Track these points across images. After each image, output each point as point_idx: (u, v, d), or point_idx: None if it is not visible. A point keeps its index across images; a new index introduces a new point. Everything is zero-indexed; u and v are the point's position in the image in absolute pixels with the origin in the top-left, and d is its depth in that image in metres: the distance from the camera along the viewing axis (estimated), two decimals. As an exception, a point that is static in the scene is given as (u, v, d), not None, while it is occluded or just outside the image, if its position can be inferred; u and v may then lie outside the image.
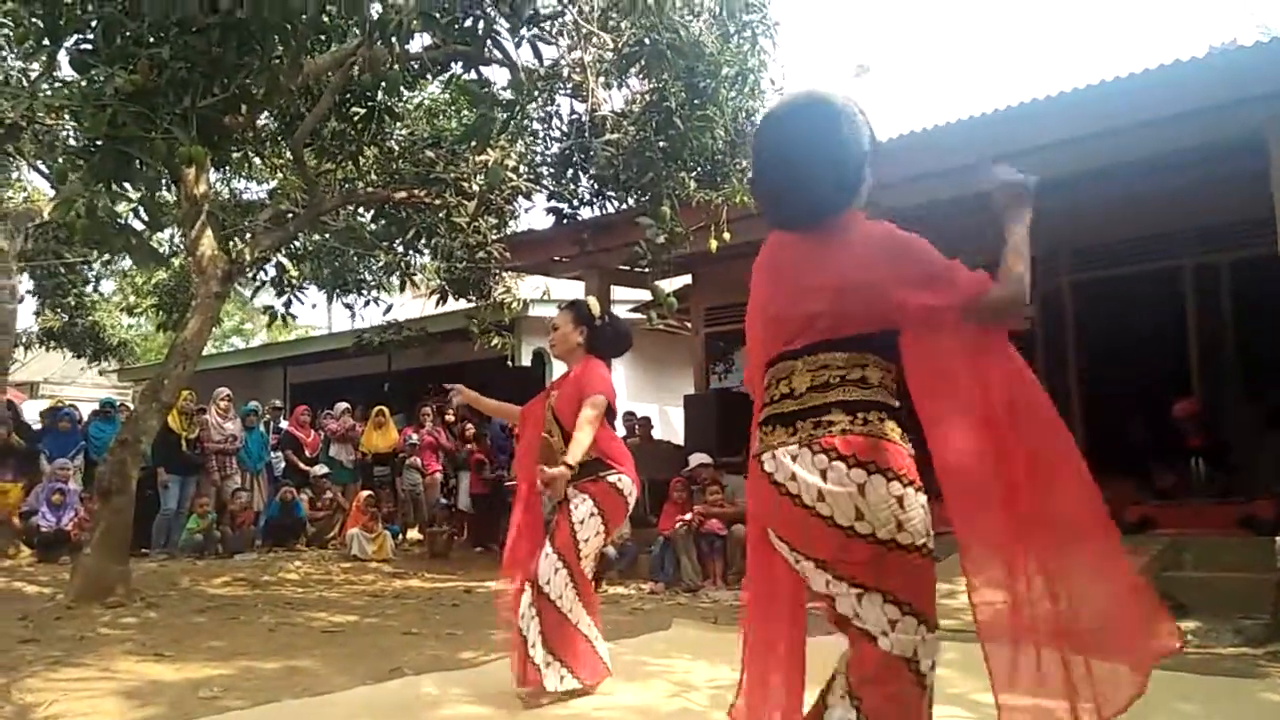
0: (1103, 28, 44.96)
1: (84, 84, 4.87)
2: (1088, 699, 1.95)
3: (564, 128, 8.80)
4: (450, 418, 11.96)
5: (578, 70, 7.56)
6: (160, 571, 8.49)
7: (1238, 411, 7.90)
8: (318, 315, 25.21)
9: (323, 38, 6.89)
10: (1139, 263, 8.47)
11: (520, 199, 9.74)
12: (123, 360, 17.35)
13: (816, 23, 42.37)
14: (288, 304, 9.41)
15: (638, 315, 11.78)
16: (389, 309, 11.55)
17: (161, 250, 11.08)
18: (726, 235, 7.84)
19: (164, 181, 6.24)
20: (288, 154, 9.13)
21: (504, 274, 10.46)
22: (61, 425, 10.99)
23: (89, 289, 15.24)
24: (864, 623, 1.97)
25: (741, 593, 2.38)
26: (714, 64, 6.95)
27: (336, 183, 9.72)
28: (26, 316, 15.58)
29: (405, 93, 8.92)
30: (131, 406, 11.20)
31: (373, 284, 11.97)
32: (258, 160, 10.18)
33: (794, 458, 1.99)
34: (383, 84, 6.84)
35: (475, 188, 8.94)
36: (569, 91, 8.31)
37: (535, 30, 6.56)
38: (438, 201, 8.90)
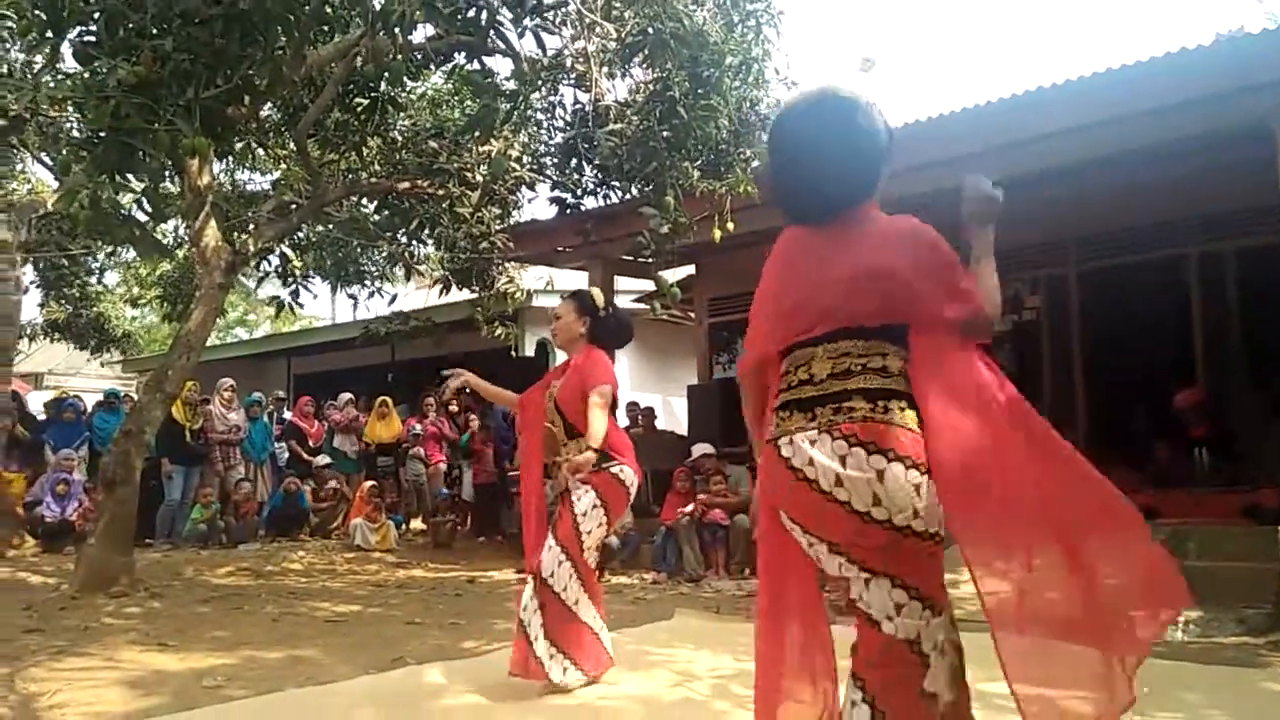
0: (1109, 15, 44.77)
1: (87, 76, 4.87)
2: (1097, 690, 1.96)
3: (567, 118, 8.78)
4: (454, 408, 11.98)
5: (581, 60, 7.54)
6: (164, 562, 8.52)
7: (1242, 400, 7.89)
8: (321, 306, 25.28)
9: (325, 28, 6.87)
10: (1144, 251, 8.44)
11: (524, 189, 9.73)
12: (126, 352, 17.37)
13: (821, 16, 42.26)
14: (295, 294, 9.42)
15: (641, 305, 11.79)
16: (394, 299, 11.56)
17: (165, 242, 11.08)
18: (730, 225, 7.82)
19: (167, 173, 6.26)
20: (291, 145, 9.12)
21: (507, 264, 10.46)
22: (66, 416, 11.02)
23: (93, 280, 15.26)
24: (868, 607, 2.01)
25: (758, 587, 2.37)
26: (718, 53, 6.93)
27: (340, 173, 9.71)
28: (31, 308, 15.63)
29: (408, 83, 8.91)
30: (136, 397, 11.21)
31: (376, 274, 11.98)
32: (261, 151, 10.17)
33: (813, 443, 2.01)
34: (386, 74, 6.84)
35: (479, 178, 8.94)
36: (572, 81, 8.29)
37: (538, 20, 6.54)
38: (441, 192, 8.90)
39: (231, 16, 4.91)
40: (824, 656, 2.22)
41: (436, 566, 8.84)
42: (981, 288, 2.08)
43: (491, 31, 6.20)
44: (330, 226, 10.55)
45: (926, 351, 2.04)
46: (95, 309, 15.47)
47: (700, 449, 8.99)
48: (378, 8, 5.55)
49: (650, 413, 11.19)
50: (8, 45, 7.13)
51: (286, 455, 11.75)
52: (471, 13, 5.88)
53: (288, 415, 12.66)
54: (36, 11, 4.73)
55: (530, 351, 12.62)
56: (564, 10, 7.21)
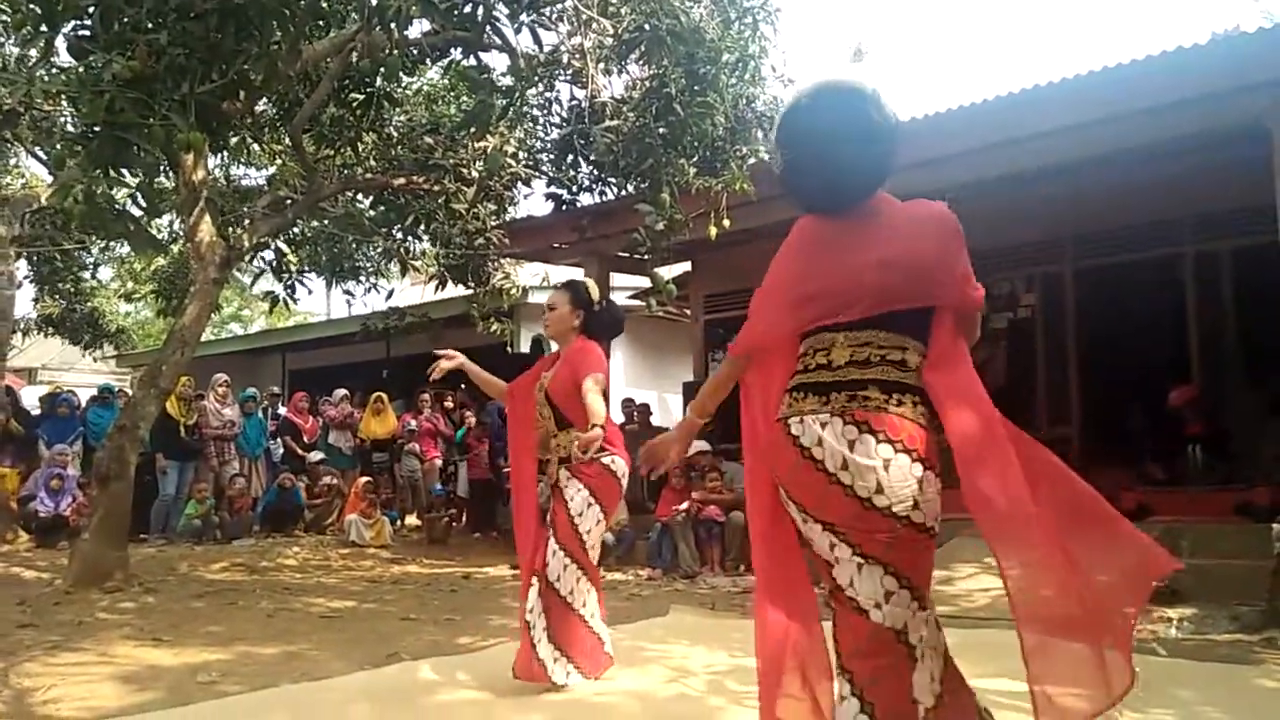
0: (1106, 13, 44.80)
1: (82, 70, 4.85)
2: (1094, 688, 1.99)
3: (563, 114, 8.78)
4: (449, 404, 11.97)
5: (577, 56, 7.53)
6: (158, 557, 8.51)
7: (1238, 399, 7.91)
8: (316, 302, 25.24)
9: (321, 23, 6.86)
10: (1140, 250, 8.46)
11: (519, 185, 9.72)
12: (120, 347, 17.33)
13: (814, 10, 42.22)
14: (290, 290, 9.41)
15: (637, 302, 11.78)
16: (391, 294, 11.55)
17: (160, 236, 11.07)
18: (726, 222, 7.82)
19: (162, 168, 6.23)
20: (286, 140, 9.11)
21: (503, 260, 10.45)
22: (60, 411, 10.99)
23: (87, 275, 15.21)
24: (857, 594, 2.03)
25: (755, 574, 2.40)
26: (714, 50, 6.93)
27: (335, 169, 9.70)
28: (25, 302, 15.58)
29: (404, 78, 8.89)
30: (130, 392, 11.20)
31: (371, 270, 11.95)
32: (256, 146, 10.17)
33: (824, 425, 2.06)
34: (381, 70, 6.81)
35: (474, 174, 8.93)
36: (568, 78, 8.28)
37: (534, 16, 6.54)
38: (437, 188, 8.88)
39: (227, 11, 4.90)
40: (816, 652, 2.23)
41: (431, 562, 8.83)
42: None
43: (488, 27, 6.19)
44: (326, 222, 10.53)
45: (948, 343, 2.09)
46: (89, 304, 15.43)
47: (695, 446, 8.96)
48: (374, 3, 5.54)
49: (646, 409, 11.19)
50: (2, 39, 7.11)
51: (281, 451, 11.73)
52: (468, 8, 5.87)
53: (282, 411, 12.64)
54: (31, 5, 4.72)
55: (526, 347, 12.60)
56: (560, 6, 7.20)
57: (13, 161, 12.61)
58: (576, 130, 8.05)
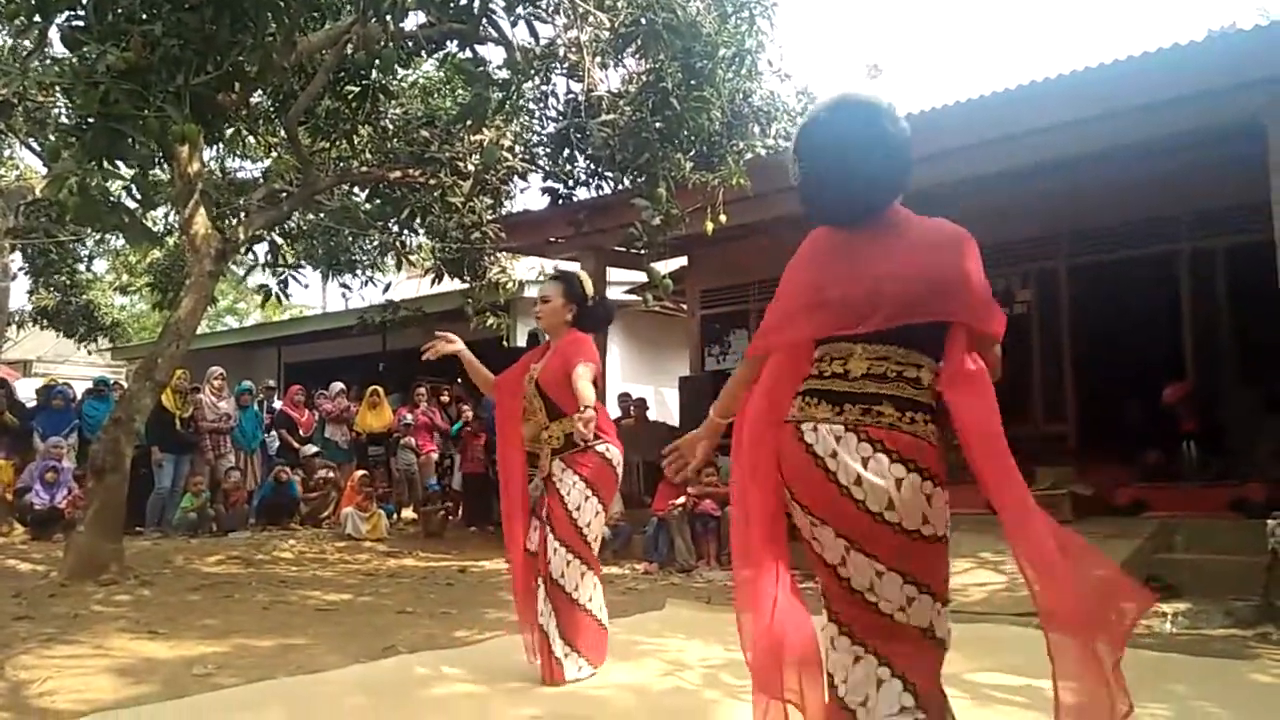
0: (1103, 10, 44.81)
1: (76, 61, 4.84)
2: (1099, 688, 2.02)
3: (560, 108, 8.76)
4: (445, 399, 11.95)
5: (574, 50, 7.52)
6: (154, 550, 8.50)
7: (1232, 396, 7.93)
8: (312, 295, 25.18)
9: (316, 15, 6.84)
10: (1135, 246, 8.47)
11: (516, 179, 9.70)
12: (115, 340, 17.30)
13: (826, 24, 42.16)
14: (284, 283, 9.38)
15: (633, 297, 11.78)
16: (388, 287, 11.53)
17: (155, 229, 11.03)
18: (723, 217, 7.82)
19: (157, 160, 6.22)
20: (282, 132, 9.07)
21: (499, 254, 10.43)
22: (55, 403, 10.96)
23: (82, 268, 15.17)
24: (879, 598, 2.09)
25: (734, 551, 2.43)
26: (711, 44, 6.91)
27: (331, 162, 9.67)
28: (19, 295, 15.53)
29: (400, 71, 8.87)
30: (125, 385, 11.18)
31: (367, 264, 11.93)
32: (251, 139, 10.13)
33: (838, 439, 2.10)
34: (377, 62, 6.80)
35: (470, 167, 8.90)
36: (565, 71, 8.27)
37: (531, 9, 6.52)
38: (433, 181, 8.86)
39: (221, 2, 4.89)
40: (806, 645, 2.25)
41: (427, 556, 8.83)
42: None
43: (484, 19, 6.17)
44: (321, 215, 10.50)
45: (964, 362, 2.12)
46: (84, 297, 15.39)
47: (691, 440, 8.98)
48: (370, -5, 5.52)
49: (642, 404, 11.19)
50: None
51: (277, 444, 11.72)
52: (464, 0, 5.85)
53: (278, 404, 12.63)
54: (25, -5, 4.70)
55: (522, 342, 12.59)
56: (557, -1, 7.19)
57: (7, 153, 12.57)
58: (573, 124, 8.04)
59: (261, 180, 10.28)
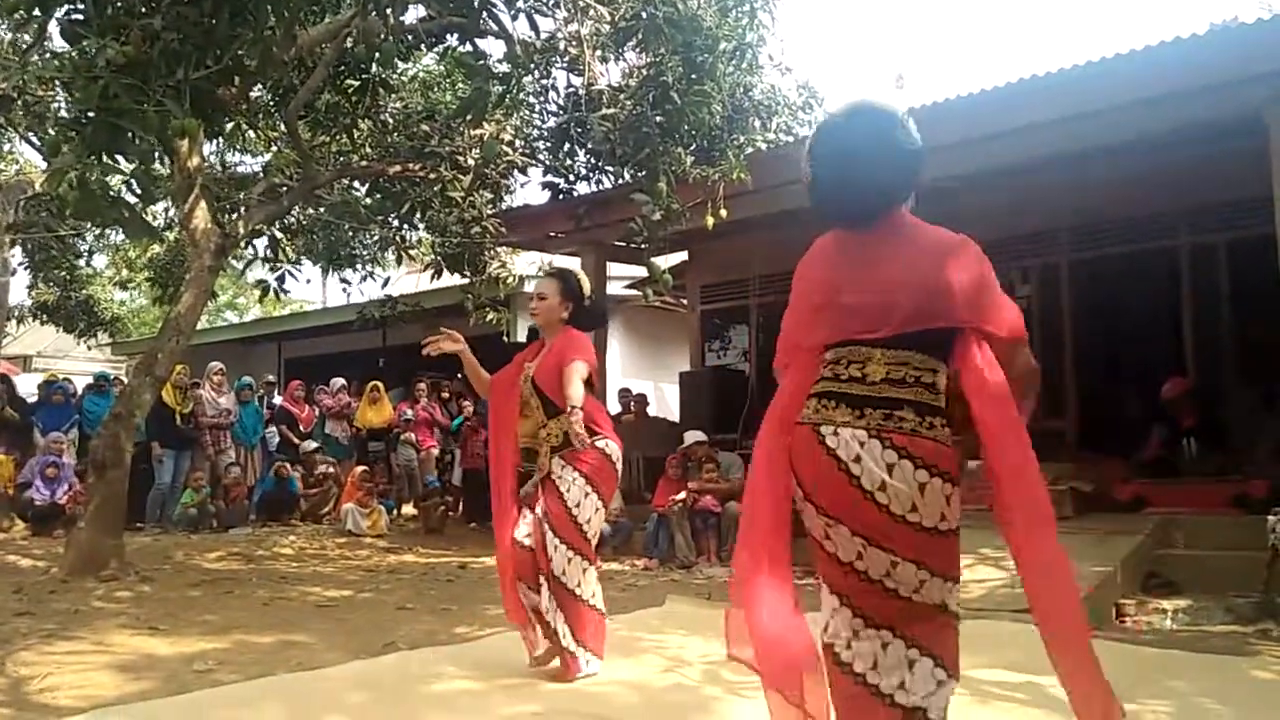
0: (1103, 4, 44.73)
1: (75, 55, 4.82)
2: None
3: (560, 102, 8.75)
4: (445, 395, 11.94)
5: (574, 44, 7.50)
6: (154, 545, 8.50)
7: (1232, 391, 7.92)
8: (312, 290, 25.19)
9: (316, 9, 6.82)
10: (1136, 242, 8.45)
11: (516, 173, 9.69)
12: (115, 335, 17.29)
13: (826, 20, 42.08)
14: (280, 279, 9.37)
15: (633, 292, 11.77)
16: (387, 282, 11.51)
17: (155, 224, 11.01)
18: (723, 212, 7.80)
19: (157, 154, 6.19)
20: (282, 127, 9.06)
21: (499, 249, 10.42)
22: (55, 399, 10.97)
23: (81, 263, 15.16)
24: (896, 583, 2.17)
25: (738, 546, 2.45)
26: (711, 38, 6.89)
27: (331, 156, 9.65)
28: (19, 290, 15.52)
29: (400, 65, 8.85)
30: (126, 380, 11.17)
31: (367, 258, 11.91)
32: (251, 133, 10.11)
33: (862, 444, 2.15)
34: (377, 56, 6.79)
35: (470, 162, 8.89)
36: (565, 65, 8.25)
37: (531, 2, 6.50)
38: (433, 176, 8.85)
39: (222, -4, 4.86)
40: (806, 649, 2.28)
41: (428, 552, 8.84)
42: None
43: (484, 13, 6.16)
44: (321, 210, 10.49)
45: (982, 368, 2.18)
46: (84, 291, 15.39)
47: (692, 436, 8.99)
48: (369, -12, 5.50)
49: (642, 399, 11.20)
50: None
51: (277, 440, 11.72)
52: (464, -6, 5.84)
53: (278, 400, 12.62)
54: (24, -11, 4.68)
55: (522, 337, 12.59)
56: (557, -8, 7.18)
57: (6, 147, 12.55)
58: (573, 118, 8.02)
59: (261, 175, 10.26)
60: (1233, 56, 6.30)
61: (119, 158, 4.94)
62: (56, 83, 5.39)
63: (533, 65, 7.90)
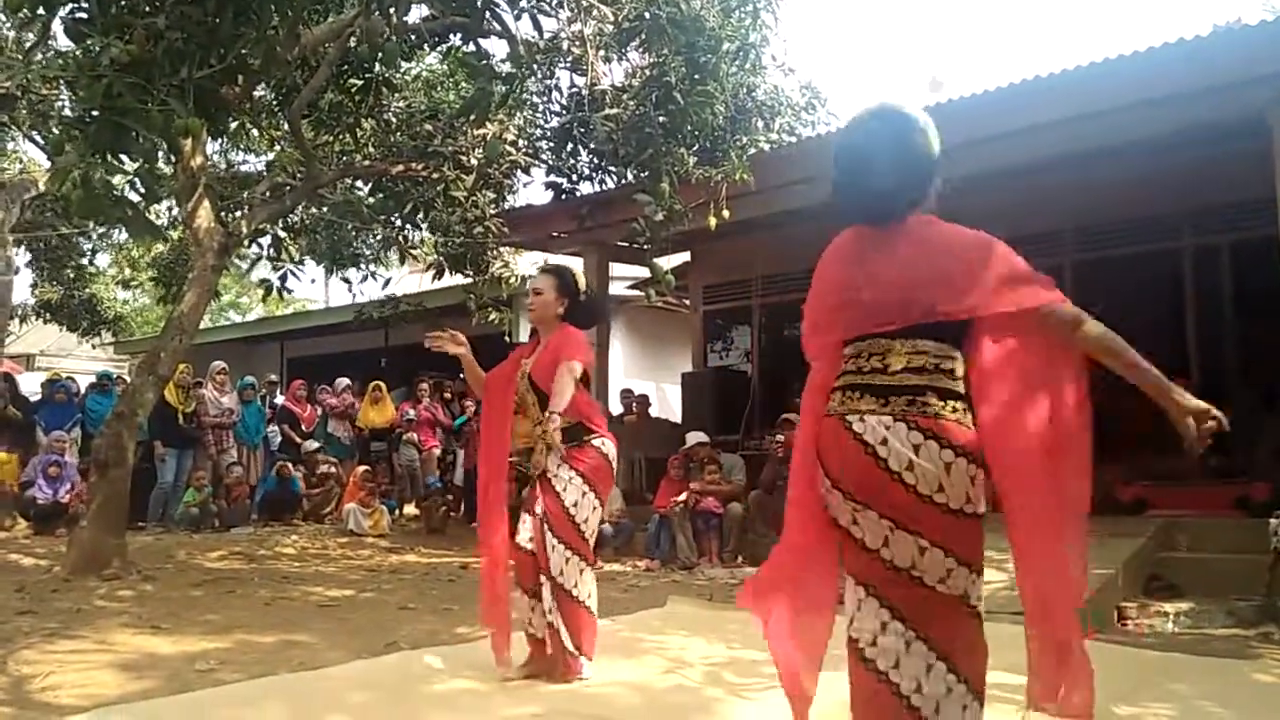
0: (1107, 5, 44.70)
1: (79, 54, 4.82)
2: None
3: (563, 102, 8.76)
4: (448, 395, 11.94)
5: (577, 44, 7.50)
6: (156, 545, 8.50)
7: (1235, 393, 7.90)
8: (315, 290, 25.20)
9: (320, 8, 6.83)
10: (1139, 243, 8.45)
11: (519, 173, 9.70)
12: (118, 334, 17.30)
13: (831, 18, 42.11)
14: (283, 278, 9.38)
15: (636, 292, 11.76)
16: (388, 283, 11.51)
17: (158, 223, 11.02)
18: (726, 213, 7.80)
19: (160, 153, 6.20)
20: (285, 126, 9.07)
21: (502, 249, 10.42)
22: (58, 397, 10.97)
23: (85, 262, 15.18)
24: (921, 572, 2.21)
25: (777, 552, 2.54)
26: (715, 39, 6.90)
27: (334, 155, 9.66)
28: (23, 289, 15.54)
29: (403, 64, 8.85)
30: (128, 379, 11.18)
31: (370, 258, 11.92)
32: (255, 132, 10.12)
33: (888, 428, 2.22)
34: (380, 55, 6.78)
35: (473, 161, 8.90)
36: (568, 65, 8.26)
37: (535, 2, 6.51)
38: (435, 175, 8.86)
39: (225, -4, 4.86)
40: (820, 645, 2.37)
41: (429, 551, 8.84)
42: (1118, 341, 2.45)
43: (487, 13, 6.16)
44: (324, 209, 10.50)
45: (991, 354, 2.26)
46: (88, 290, 15.40)
47: (694, 437, 8.99)
48: (373, -12, 5.50)
49: (644, 400, 11.19)
50: (-1, 22, 7.06)
51: (279, 439, 11.73)
52: (467, -6, 5.85)
53: (280, 399, 12.62)
54: (28, -12, 4.67)
55: (524, 337, 12.58)
56: (561, -8, 7.18)
57: (10, 146, 12.57)
58: (576, 118, 8.02)
59: (265, 174, 10.27)
60: (1236, 58, 6.29)
61: (123, 157, 4.94)
62: (60, 81, 5.39)
63: (536, 65, 7.92)
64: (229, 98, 6.02)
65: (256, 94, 8.21)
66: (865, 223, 2.40)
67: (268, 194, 8.78)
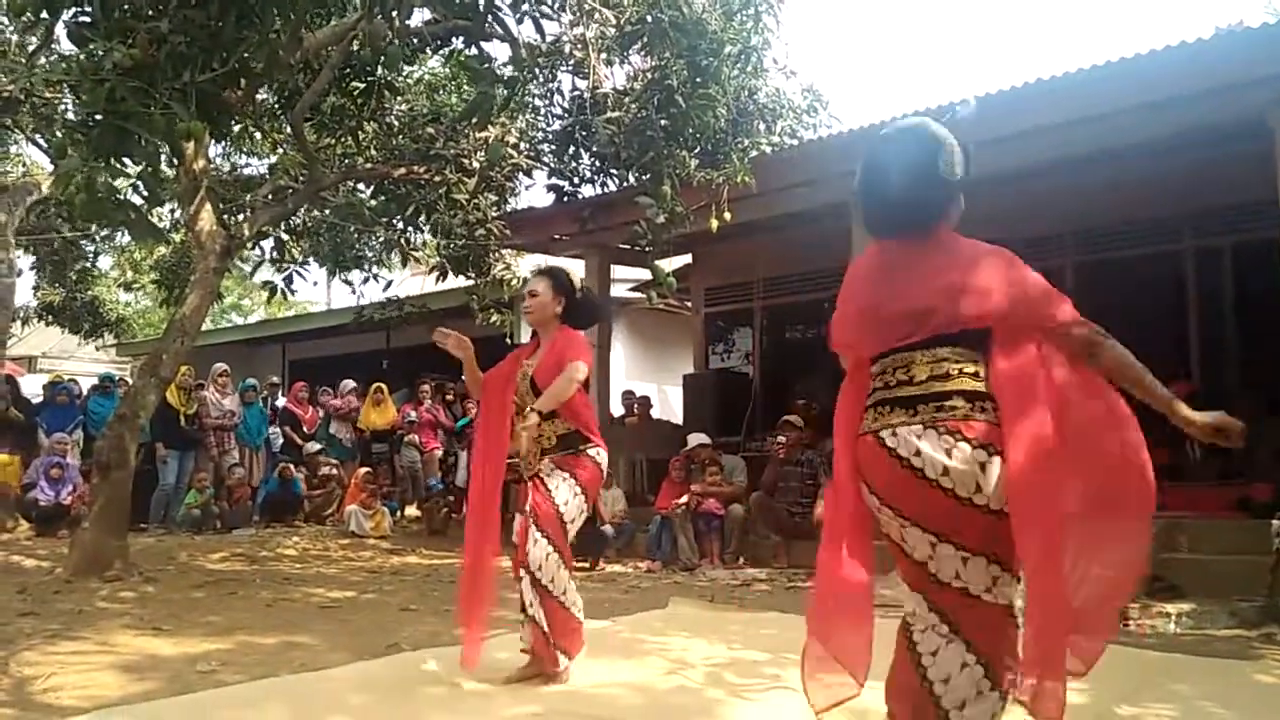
0: (1109, 8, 44.70)
1: (82, 58, 4.84)
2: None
3: (565, 105, 8.77)
4: (449, 397, 11.95)
5: (579, 47, 7.52)
6: (158, 546, 8.51)
7: (1237, 396, 7.90)
8: (317, 292, 25.22)
9: (322, 11, 6.84)
10: (1140, 245, 8.45)
11: (520, 176, 9.72)
12: (120, 336, 17.32)
13: (828, 20, 42.17)
14: (288, 280, 9.39)
15: (637, 294, 11.77)
16: (389, 285, 11.52)
17: (161, 226, 11.04)
18: (727, 215, 7.81)
19: (163, 156, 6.22)
20: (287, 129, 9.09)
21: (504, 251, 10.43)
22: (60, 399, 10.99)
23: (87, 264, 15.20)
24: (965, 583, 2.24)
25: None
26: (716, 42, 6.91)
27: (336, 158, 9.68)
28: (25, 291, 15.56)
29: (405, 68, 8.87)
30: (130, 381, 11.20)
31: (372, 260, 11.93)
32: (257, 135, 10.14)
33: (919, 436, 2.25)
34: (382, 59, 6.80)
35: (475, 164, 8.91)
36: (570, 68, 8.27)
37: (537, 6, 6.52)
38: (438, 178, 8.87)
39: (228, -1, 4.88)
40: (866, 648, 2.41)
41: (431, 553, 8.84)
42: (1134, 363, 2.45)
43: (489, 16, 6.17)
44: (327, 211, 10.52)
45: (1008, 360, 2.28)
46: (90, 293, 15.42)
47: (695, 439, 8.99)
48: (375, -8, 5.51)
49: (646, 402, 11.20)
50: (2, 26, 7.08)
51: (281, 441, 11.74)
52: (469, -3, 5.86)
53: (282, 401, 12.63)
54: (31, -8, 4.69)
55: (526, 339, 12.59)
56: (562, -4, 7.19)
57: (13, 149, 12.59)
58: (578, 121, 8.04)
59: (267, 176, 10.29)
60: (1237, 60, 6.29)
61: (125, 160, 4.96)
62: (63, 85, 5.40)
63: (538, 68, 7.93)
64: (231, 101, 6.04)
65: (259, 97, 8.23)
66: (891, 235, 2.45)
67: (270, 197, 8.80)
